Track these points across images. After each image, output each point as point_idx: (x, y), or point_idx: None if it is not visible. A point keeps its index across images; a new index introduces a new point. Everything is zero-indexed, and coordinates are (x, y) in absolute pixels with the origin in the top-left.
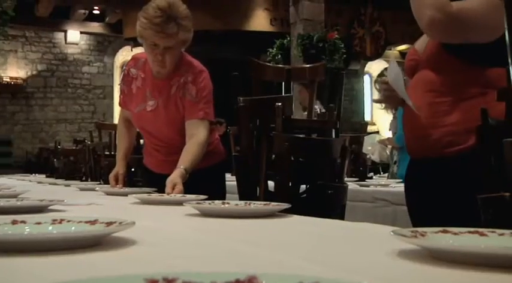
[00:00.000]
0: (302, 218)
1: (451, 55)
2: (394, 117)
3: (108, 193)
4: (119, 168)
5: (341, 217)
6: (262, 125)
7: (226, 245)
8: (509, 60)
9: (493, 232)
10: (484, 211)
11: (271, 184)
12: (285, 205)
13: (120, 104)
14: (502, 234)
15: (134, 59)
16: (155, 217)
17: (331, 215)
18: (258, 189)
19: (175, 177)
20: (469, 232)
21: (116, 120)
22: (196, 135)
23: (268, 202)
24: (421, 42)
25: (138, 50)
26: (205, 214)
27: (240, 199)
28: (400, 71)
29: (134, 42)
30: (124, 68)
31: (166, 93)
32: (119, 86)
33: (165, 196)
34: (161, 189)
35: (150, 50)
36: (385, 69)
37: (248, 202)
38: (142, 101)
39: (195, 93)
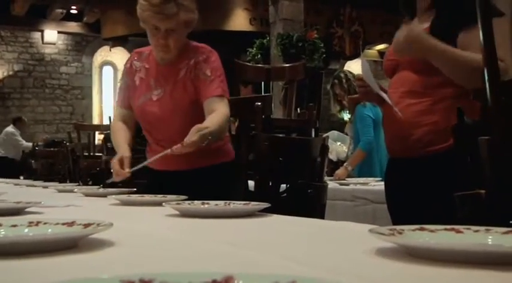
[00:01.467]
0: (282, 218)
1: None
2: (350, 121)
3: (86, 195)
4: (123, 151)
5: (321, 216)
6: (242, 124)
7: (205, 246)
8: (484, 61)
9: (468, 229)
10: (460, 208)
11: (251, 183)
12: (265, 205)
13: (118, 104)
14: (477, 231)
15: (137, 52)
16: (134, 219)
17: (311, 214)
18: None
19: (194, 133)
20: (446, 229)
21: (94, 121)
22: (218, 109)
23: (247, 202)
24: None
25: (117, 50)
26: (185, 214)
27: None
28: (369, 67)
29: (113, 42)
30: (125, 64)
31: (173, 79)
32: (119, 84)
33: (145, 197)
34: (165, 188)
35: (152, 34)
36: (341, 71)
37: (228, 202)
38: (146, 91)
39: (209, 72)
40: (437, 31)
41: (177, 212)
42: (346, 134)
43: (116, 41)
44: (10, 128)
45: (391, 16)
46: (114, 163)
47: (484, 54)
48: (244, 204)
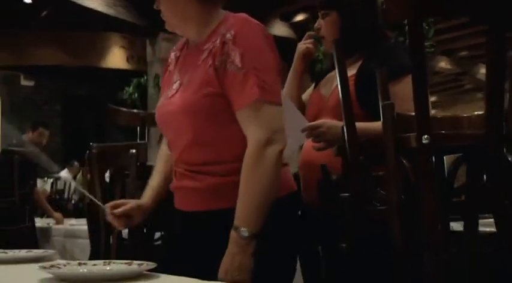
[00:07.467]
0: (162, 278)
1: (362, 109)
2: None
3: None
4: (143, 197)
5: None
6: (116, 171)
7: None
8: (345, 121)
9: None
10: (325, 261)
11: (126, 230)
12: (150, 265)
13: None
14: None
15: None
16: None
17: None
18: (111, 237)
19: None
20: None
21: None
22: (247, 140)
23: (130, 261)
24: (326, 87)
25: None
26: (60, 278)
27: (92, 252)
28: None
29: None
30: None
31: (194, 65)
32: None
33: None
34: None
35: None
36: None
37: (107, 261)
38: (167, 87)
39: (240, 59)
40: (364, 78)
41: (50, 275)
42: None
43: None
44: None
45: None
46: (112, 211)
47: (344, 114)
48: (126, 263)
